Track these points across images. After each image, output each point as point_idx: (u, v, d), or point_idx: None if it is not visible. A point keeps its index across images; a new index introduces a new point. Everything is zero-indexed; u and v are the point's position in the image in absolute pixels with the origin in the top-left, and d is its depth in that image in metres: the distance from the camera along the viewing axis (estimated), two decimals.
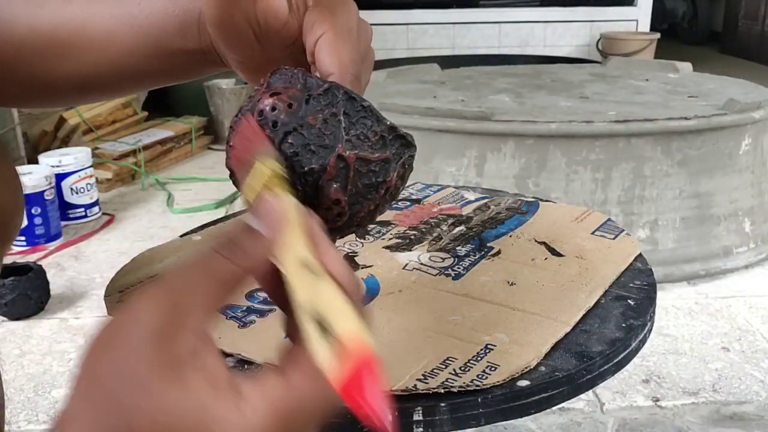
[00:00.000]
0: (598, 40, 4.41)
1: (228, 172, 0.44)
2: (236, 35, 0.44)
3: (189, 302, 0.30)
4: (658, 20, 5.28)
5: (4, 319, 1.81)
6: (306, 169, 0.40)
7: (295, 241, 0.34)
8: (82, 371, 0.29)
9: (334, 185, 0.40)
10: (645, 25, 4.54)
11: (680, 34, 6.92)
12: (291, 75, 0.41)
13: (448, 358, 0.55)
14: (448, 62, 2.94)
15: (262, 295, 0.66)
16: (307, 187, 0.41)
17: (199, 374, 0.29)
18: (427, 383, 0.52)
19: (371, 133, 0.41)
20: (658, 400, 1.48)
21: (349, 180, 0.41)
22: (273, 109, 0.40)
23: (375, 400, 0.29)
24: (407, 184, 0.97)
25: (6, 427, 1.40)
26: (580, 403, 1.47)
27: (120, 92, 0.54)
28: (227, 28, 0.43)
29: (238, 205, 2.56)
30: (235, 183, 0.43)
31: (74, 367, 0.30)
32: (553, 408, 0.56)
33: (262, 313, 0.63)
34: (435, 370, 0.53)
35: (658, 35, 4.35)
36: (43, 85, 0.50)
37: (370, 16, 4.35)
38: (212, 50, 0.47)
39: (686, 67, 2.64)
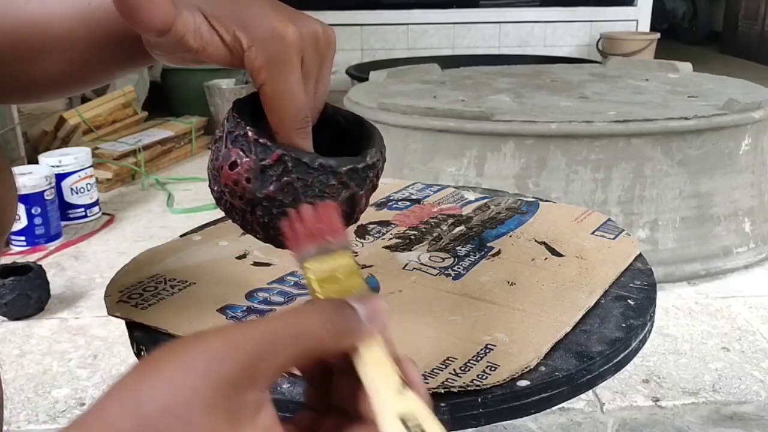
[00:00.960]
0: (598, 40, 4.41)
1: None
2: (186, 63, 0.44)
3: (269, 361, 0.29)
4: (658, 20, 5.28)
5: (4, 319, 1.81)
6: (280, 230, 0.42)
7: (381, 349, 0.33)
8: (123, 390, 0.27)
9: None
10: (645, 25, 4.54)
11: (680, 34, 6.92)
12: (243, 134, 0.43)
13: (448, 358, 0.55)
14: (448, 62, 2.95)
15: (262, 295, 0.66)
16: (284, 241, 0.43)
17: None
18: (427, 383, 0.52)
19: (328, 187, 0.43)
20: (658, 400, 1.48)
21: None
22: (236, 183, 0.44)
23: None
24: (407, 185, 0.97)
25: (6, 427, 1.40)
26: (580, 403, 1.47)
27: (98, 81, 0.55)
28: (176, 63, 0.44)
29: None
30: (270, 240, 0.46)
31: (115, 378, 0.28)
32: (553, 408, 0.56)
33: (262, 313, 0.63)
34: (435, 370, 0.53)
35: (658, 35, 4.35)
36: (24, 84, 0.51)
37: (371, 16, 4.36)
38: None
39: (686, 67, 2.64)
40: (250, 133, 0.43)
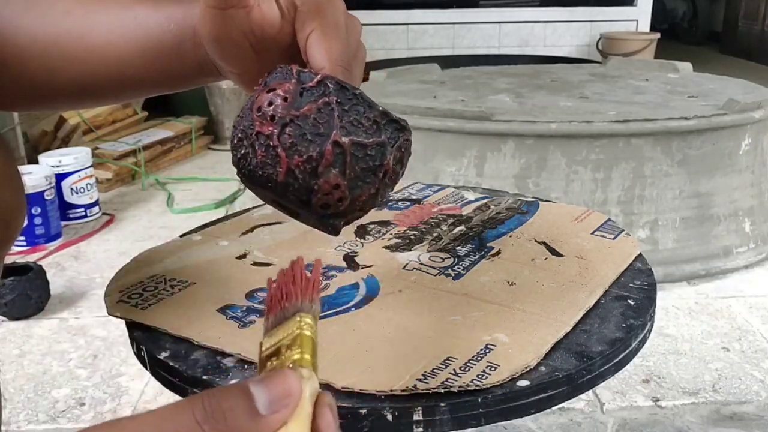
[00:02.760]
0: (598, 40, 4.40)
1: (234, 171, 0.45)
2: (233, 49, 0.45)
3: None
4: (658, 20, 5.27)
5: (4, 319, 1.81)
6: (305, 157, 0.42)
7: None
8: None
9: (333, 171, 0.42)
10: (645, 25, 4.54)
11: (680, 34, 6.92)
12: (285, 72, 0.43)
13: (448, 358, 0.55)
14: (448, 62, 2.95)
15: (263, 295, 0.66)
16: (306, 175, 0.42)
17: None
18: (427, 383, 0.52)
19: (364, 119, 0.43)
20: (658, 400, 1.48)
21: (346, 165, 0.42)
22: (270, 104, 0.42)
23: None
24: (407, 185, 0.97)
25: (5, 428, 1.40)
26: (580, 403, 1.47)
27: (117, 99, 0.55)
28: (224, 43, 0.44)
29: (238, 205, 2.56)
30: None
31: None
32: (553, 408, 0.56)
33: (262, 313, 0.63)
34: (435, 370, 0.53)
35: (658, 35, 4.35)
36: (44, 92, 0.51)
37: (371, 16, 4.35)
38: (209, 63, 0.48)
39: (686, 67, 2.64)
40: (293, 67, 0.43)
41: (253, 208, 0.89)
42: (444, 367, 0.54)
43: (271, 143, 0.42)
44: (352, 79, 0.44)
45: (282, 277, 0.38)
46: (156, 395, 1.50)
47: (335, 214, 0.44)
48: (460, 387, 0.51)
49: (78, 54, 0.49)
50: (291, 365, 0.31)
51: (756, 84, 2.38)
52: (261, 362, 0.33)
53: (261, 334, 0.36)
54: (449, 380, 0.52)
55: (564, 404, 1.42)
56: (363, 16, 4.54)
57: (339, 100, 0.42)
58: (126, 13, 0.49)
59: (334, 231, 0.46)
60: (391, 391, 0.51)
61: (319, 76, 0.42)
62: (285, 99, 0.42)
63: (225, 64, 0.46)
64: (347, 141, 0.42)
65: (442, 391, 0.51)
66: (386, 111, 0.44)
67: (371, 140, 0.43)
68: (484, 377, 0.52)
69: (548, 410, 0.58)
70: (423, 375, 0.53)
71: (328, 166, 0.42)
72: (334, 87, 0.42)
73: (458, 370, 0.53)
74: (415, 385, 0.52)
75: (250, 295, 0.66)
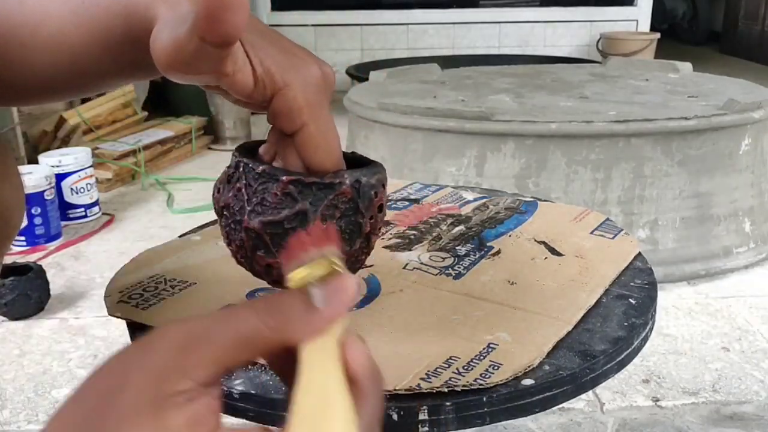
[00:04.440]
0: (598, 40, 4.41)
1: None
2: (191, 80, 0.41)
3: (200, 351, 0.29)
4: (658, 20, 5.28)
5: (4, 319, 1.81)
6: (234, 247, 0.43)
7: (330, 346, 0.31)
8: (78, 390, 0.30)
9: (259, 253, 0.42)
10: (645, 25, 4.54)
11: (680, 34, 6.92)
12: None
13: (450, 357, 0.55)
14: (448, 62, 2.95)
15: (263, 295, 0.66)
16: (246, 261, 0.43)
17: (182, 417, 0.28)
18: (430, 382, 0.52)
19: (271, 196, 0.41)
20: (658, 400, 1.48)
21: (268, 245, 0.42)
22: (212, 197, 0.46)
23: None
24: (405, 185, 0.97)
25: (6, 428, 1.40)
26: (580, 403, 1.47)
27: (86, 90, 0.53)
28: (182, 77, 0.40)
29: None
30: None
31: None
32: (553, 408, 0.56)
33: None
34: (438, 369, 0.53)
35: (658, 35, 4.35)
36: (10, 87, 0.49)
37: (370, 16, 4.36)
38: None
39: (686, 67, 2.64)
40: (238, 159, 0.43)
41: None
42: (447, 366, 0.54)
43: (222, 233, 0.45)
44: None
45: (298, 235, 0.39)
46: None
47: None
48: (463, 386, 0.51)
49: (35, 45, 0.47)
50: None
51: (756, 84, 2.38)
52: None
53: None
54: (453, 379, 0.52)
55: (564, 404, 1.42)
56: (363, 16, 4.55)
57: (248, 182, 0.42)
58: (75, 0, 0.46)
59: None
60: (396, 390, 0.51)
61: (236, 161, 0.42)
62: (218, 190, 0.44)
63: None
64: (257, 223, 0.41)
65: (446, 390, 0.51)
66: (297, 177, 0.41)
67: (283, 214, 0.41)
68: (487, 376, 0.52)
69: (548, 410, 0.58)
70: (426, 374, 0.53)
71: (254, 251, 0.42)
72: (244, 169, 0.42)
73: (461, 370, 0.53)
74: (419, 384, 0.52)
75: (250, 295, 0.66)
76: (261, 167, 0.42)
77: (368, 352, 0.32)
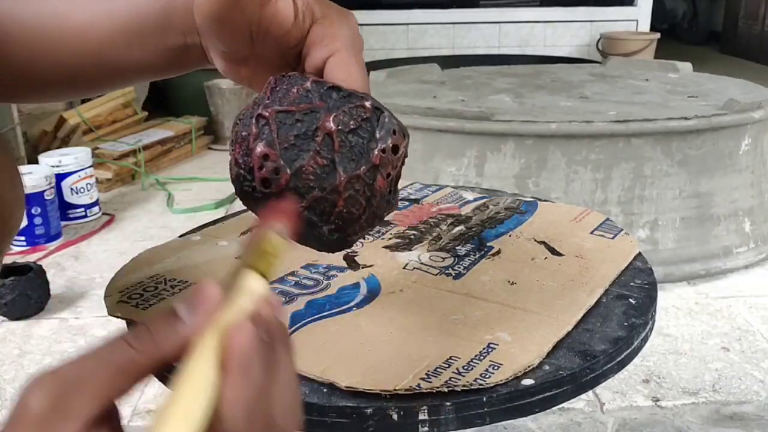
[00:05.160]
0: (598, 40, 4.40)
1: (228, 173, 0.44)
2: (231, 31, 0.43)
3: (76, 389, 0.29)
4: (658, 20, 5.28)
5: (4, 319, 1.81)
6: (240, 139, 0.42)
7: (213, 337, 0.31)
8: None
9: (260, 143, 0.41)
10: (645, 25, 4.54)
11: (680, 34, 6.92)
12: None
13: (450, 357, 0.55)
14: (448, 62, 2.94)
15: None
16: (244, 158, 0.41)
17: None
18: (430, 382, 0.52)
19: (294, 89, 0.41)
20: (658, 400, 1.48)
21: (274, 134, 0.41)
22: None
23: None
24: (405, 184, 0.96)
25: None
26: (580, 403, 1.47)
27: (105, 86, 0.53)
28: (224, 25, 0.42)
29: (238, 205, 2.56)
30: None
31: None
32: (553, 408, 0.56)
33: None
34: (438, 369, 0.53)
35: (658, 35, 4.35)
36: (29, 79, 0.50)
37: (371, 16, 4.35)
38: (195, 43, 0.46)
39: (686, 67, 2.64)
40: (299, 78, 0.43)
41: None
42: (447, 366, 0.54)
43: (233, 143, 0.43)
44: None
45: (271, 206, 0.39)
46: (156, 395, 1.50)
47: (278, 191, 0.41)
48: (463, 386, 0.51)
49: (60, 34, 0.47)
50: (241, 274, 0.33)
51: (756, 84, 2.38)
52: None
53: None
54: (453, 379, 0.52)
55: (564, 404, 1.42)
56: (363, 16, 4.54)
57: (275, 85, 0.42)
58: None
59: (335, 245, 0.44)
60: (396, 390, 0.51)
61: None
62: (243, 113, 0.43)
63: (217, 40, 0.44)
64: (270, 111, 0.41)
65: (446, 390, 0.51)
66: (334, 85, 0.41)
67: (299, 106, 0.41)
68: (487, 376, 0.52)
69: (548, 410, 0.58)
70: (426, 374, 0.53)
71: (255, 140, 0.41)
72: (274, 80, 0.42)
73: (461, 369, 0.53)
74: (419, 384, 0.52)
75: None
76: (291, 74, 0.42)
77: (254, 333, 0.31)
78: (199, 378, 0.30)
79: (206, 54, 0.47)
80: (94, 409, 0.29)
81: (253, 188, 0.42)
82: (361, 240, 0.78)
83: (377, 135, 0.41)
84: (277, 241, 0.35)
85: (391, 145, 0.41)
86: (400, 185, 1.00)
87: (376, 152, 0.41)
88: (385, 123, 0.41)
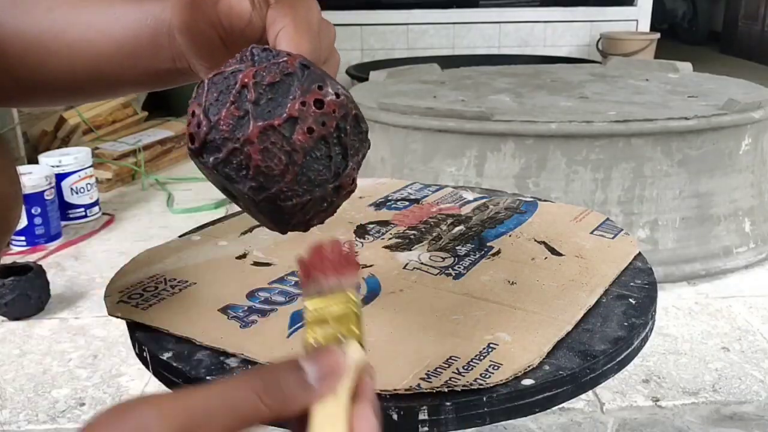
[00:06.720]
0: (598, 40, 4.40)
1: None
2: (203, 41, 0.45)
3: (200, 428, 0.29)
4: (658, 20, 5.27)
5: (4, 319, 1.81)
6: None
7: (334, 409, 0.32)
8: None
9: (192, 103, 0.42)
10: (645, 25, 4.54)
11: (680, 34, 6.92)
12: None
13: (450, 357, 0.55)
14: (448, 62, 2.95)
15: (263, 295, 0.66)
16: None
17: None
18: (430, 382, 0.52)
19: (238, 55, 0.42)
20: (658, 400, 1.48)
21: (204, 93, 0.41)
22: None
23: None
24: (406, 184, 0.97)
25: (6, 428, 1.40)
26: (580, 403, 1.47)
27: (98, 97, 0.56)
28: (193, 34, 0.45)
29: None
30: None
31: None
32: (553, 408, 0.56)
33: (263, 313, 0.63)
34: (438, 369, 0.53)
35: (658, 35, 4.35)
36: (25, 88, 0.52)
37: (370, 16, 4.35)
38: (182, 58, 0.48)
39: (686, 67, 2.64)
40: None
41: None
42: (447, 366, 0.54)
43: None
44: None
45: (317, 250, 0.38)
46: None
47: (227, 161, 0.40)
48: (463, 386, 0.51)
49: (57, 50, 0.49)
50: (342, 338, 0.35)
51: (756, 84, 2.38)
52: (309, 324, 0.36)
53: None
54: (453, 379, 0.52)
55: (564, 404, 1.42)
56: (363, 16, 4.54)
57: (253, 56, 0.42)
58: (107, 9, 0.49)
59: (269, 212, 0.43)
60: (396, 390, 0.51)
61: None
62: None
63: (196, 57, 0.46)
64: (208, 77, 0.41)
65: (446, 390, 0.51)
66: (272, 49, 0.41)
67: (229, 67, 0.41)
68: (487, 376, 0.52)
69: (548, 410, 0.58)
70: (426, 374, 0.53)
71: (191, 102, 0.42)
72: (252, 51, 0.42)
73: (461, 369, 0.53)
74: (419, 384, 0.52)
75: (250, 295, 0.66)
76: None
77: (374, 421, 0.33)
78: None
79: (196, 74, 0.49)
80: None
81: (190, 148, 0.43)
82: (361, 240, 0.79)
83: (299, 88, 0.40)
84: (357, 299, 0.36)
85: (312, 99, 0.40)
86: (400, 185, 1.00)
87: (295, 104, 0.40)
88: (311, 77, 0.40)
